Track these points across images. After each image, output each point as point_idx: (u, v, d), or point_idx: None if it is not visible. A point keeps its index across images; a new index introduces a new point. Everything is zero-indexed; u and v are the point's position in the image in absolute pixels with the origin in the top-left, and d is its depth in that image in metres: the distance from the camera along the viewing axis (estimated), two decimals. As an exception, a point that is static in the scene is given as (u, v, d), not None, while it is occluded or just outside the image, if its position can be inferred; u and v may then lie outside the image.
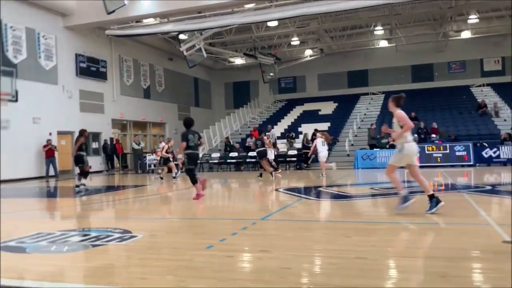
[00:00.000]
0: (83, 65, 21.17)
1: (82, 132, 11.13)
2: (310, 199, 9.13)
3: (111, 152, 22.47)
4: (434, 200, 5.95)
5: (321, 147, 14.32)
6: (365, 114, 26.15)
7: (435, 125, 20.47)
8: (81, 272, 3.97)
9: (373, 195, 9.26)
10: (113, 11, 17.88)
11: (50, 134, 18.36)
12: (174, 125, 28.20)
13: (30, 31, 18.42)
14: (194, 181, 8.47)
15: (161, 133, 28.14)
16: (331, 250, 4.34)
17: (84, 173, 11.26)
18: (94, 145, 22.01)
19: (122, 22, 20.00)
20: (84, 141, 11.16)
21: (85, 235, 5.47)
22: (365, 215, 6.97)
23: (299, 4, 17.89)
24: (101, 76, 22.31)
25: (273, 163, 15.88)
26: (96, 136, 22.09)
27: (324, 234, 5.33)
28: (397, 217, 5.97)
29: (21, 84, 16.02)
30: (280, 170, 16.07)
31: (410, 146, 6.01)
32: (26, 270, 3.96)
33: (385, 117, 25.10)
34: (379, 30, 27.15)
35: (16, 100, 14.84)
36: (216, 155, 21.04)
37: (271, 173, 13.73)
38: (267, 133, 18.11)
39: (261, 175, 14.03)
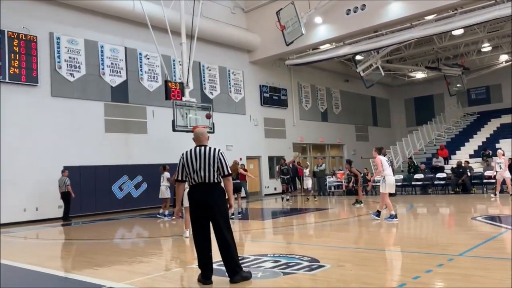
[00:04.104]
0: (266, 95, 22.95)
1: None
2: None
3: (293, 174, 23.43)
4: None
5: None
6: None
7: None
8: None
9: None
10: (292, 42, 19.03)
11: (241, 159, 20.24)
12: (352, 146, 27.99)
13: (222, 69, 20.94)
14: None
15: (339, 154, 28.21)
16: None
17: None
18: (277, 168, 23.31)
19: (300, 52, 21.06)
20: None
21: (276, 261, 5.74)
22: None
23: (488, 8, 15.89)
24: (282, 103, 23.80)
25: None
26: (279, 160, 23.42)
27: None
28: None
29: (216, 116, 18.16)
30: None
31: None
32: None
33: None
34: None
35: (213, 132, 16.82)
36: (399, 177, 19.85)
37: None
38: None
39: None
